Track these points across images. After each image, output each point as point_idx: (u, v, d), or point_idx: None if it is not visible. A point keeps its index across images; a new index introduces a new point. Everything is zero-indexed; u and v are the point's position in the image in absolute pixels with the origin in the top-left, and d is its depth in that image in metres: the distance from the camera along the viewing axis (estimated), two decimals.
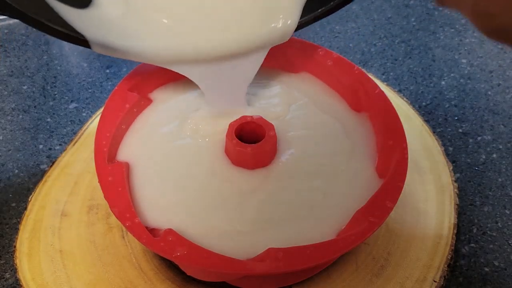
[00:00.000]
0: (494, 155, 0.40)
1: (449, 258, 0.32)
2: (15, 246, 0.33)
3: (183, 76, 0.31)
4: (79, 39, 0.28)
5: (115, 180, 0.29)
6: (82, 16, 0.28)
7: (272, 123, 0.31)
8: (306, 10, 0.31)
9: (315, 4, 0.31)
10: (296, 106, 0.35)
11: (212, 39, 0.29)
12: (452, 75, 0.47)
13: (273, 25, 0.30)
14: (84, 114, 0.43)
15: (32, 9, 0.27)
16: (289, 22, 0.30)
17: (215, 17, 0.29)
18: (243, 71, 0.31)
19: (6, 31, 0.52)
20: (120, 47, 0.29)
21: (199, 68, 0.30)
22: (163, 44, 0.29)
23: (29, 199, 0.35)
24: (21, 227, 0.33)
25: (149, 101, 0.35)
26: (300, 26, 0.31)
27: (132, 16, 0.28)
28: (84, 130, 0.40)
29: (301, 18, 0.31)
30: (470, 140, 0.41)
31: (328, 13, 0.32)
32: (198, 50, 0.29)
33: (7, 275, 0.33)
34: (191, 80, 0.32)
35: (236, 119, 0.32)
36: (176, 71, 0.31)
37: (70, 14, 0.28)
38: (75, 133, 0.40)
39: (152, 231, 0.28)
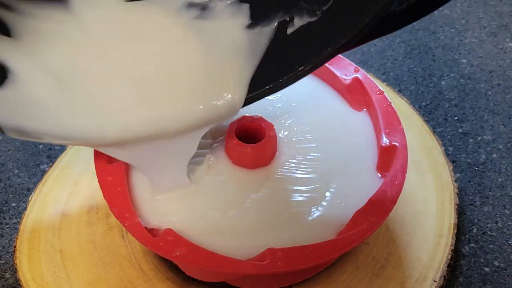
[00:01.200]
0: (494, 155, 0.40)
1: (449, 258, 0.32)
2: (15, 246, 0.33)
3: None
4: None
5: (115, 180, 0.29)
6: None
7: (272, 123, 0.31)
8: (258, 82, 0.27)
9: (268, 77, 0.27)
10: (296, 106, 0.35)
11: (146, 120, 0.25)
12: (452, 75, 0.47)
13: (214, 102, 0.26)
14: None
15: None
16: (236, 97, 0.26)
17: (151, 93, 0.25)
18: (181, 150, 0.28)
19: None
20: (43, 131, 0.24)
21: (134, 150, 0.27)
22: (98, 127, 0.25)
23: (29, 199, 0.35)
24: (21, 227, 0.33)
25: None
26: (250, 100, 0.27)
27: (62, 98, 0.24)
28: None
29: (252, 92, 0.27)
30: (470, 140, 0.41)
31: (283, 86, 0.27)
32: (131, 132, 0.25)
33: (7, 275, 0.33)
34: None
35: (236, 119, 0.32)
36: (110, 154, 0.28)
37: None
38: None
39: (152, 231, 0.28)
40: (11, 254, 0.34)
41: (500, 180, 0.38)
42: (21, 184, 0.38)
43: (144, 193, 0.30)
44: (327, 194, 0.30)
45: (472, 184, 0.38)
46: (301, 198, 0.29)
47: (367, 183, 0.30)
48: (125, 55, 0.25)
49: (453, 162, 0.39)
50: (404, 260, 0.32)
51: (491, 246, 0.34)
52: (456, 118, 0.43)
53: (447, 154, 0.39)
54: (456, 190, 0.35)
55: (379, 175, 0.31)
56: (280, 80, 0.27)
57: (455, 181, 0.36)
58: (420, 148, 0.38)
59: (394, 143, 0.31)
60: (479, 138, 0.41)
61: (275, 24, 0.26)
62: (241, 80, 0.26)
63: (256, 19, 0.26)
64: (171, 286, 0.30)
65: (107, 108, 0.25)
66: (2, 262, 0.33)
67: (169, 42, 0.25)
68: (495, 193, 0.37)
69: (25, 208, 0.35)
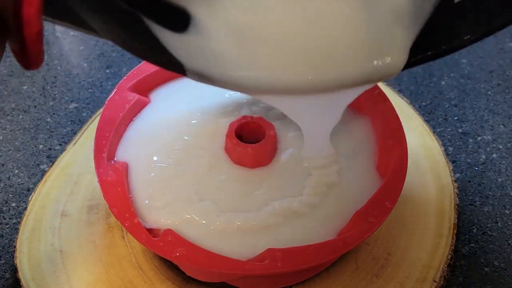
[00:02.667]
0: (494, 155, 0.40)
1: (449, 258, 0.32)
2: (15, 246, 0.33)
3: (182, 75, 0.30)
4: (172, 64, 0.25)
5: (115, 180, 0.29)
6: (178, 40, 0.25)
7: (273, 124, 0.31)
8: (420, 47, 0.26)
9: (431, 43, 0.26)
10: None
11: (315, 73, 0.26)
12: (452, 75, 0.47)
13: (375, 63, 0.25)
14: (84, 114, 0.43)
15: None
16: (397, 60, 0.26)
17: (315, 51, 0.26)
18: (330, 110, 0.28)
19: None
20: (221, 79, 0.25)
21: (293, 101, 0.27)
22: (271, 76, 0.25)
23: (29, 199, 0.35)
24: (21, 227, 0.33)
25: (149, 100, 0.35)
26: (410, 65, 0.27)
27: (240, 49, 0.25)
28: (84, 130, 0.40)
29: (413, 56, 0.26)
30: (470, 140, 0.41)
31: (445, 54, 0.27)
32: (305, 83, 0.26)
33: (7, 275, 0.33)
34: (189, 80, 0.32)
35: (236, 119, 0.32)
36: (272, 104, 0.28)
37: (167, 38, 0.24)
38: (75, 133, 0.40)
39: (152, 231, 0.28)
40: (11, 254, 0.34)
41: (500, 180, 0.38)
42: (21, 184, 0.38)
43: (144, 193, 0.30)
44: (327, 194, 0.30)
45: (472, 184, 0.38)
46: (301, 198, 0.29)
47: (367, 183, 0.30)
48: (293, 10, 0.25)
49: (453, 162, 0.39)
50: (404, 260, 0.32)
51: (491, 246, 0.34)
52: (456, 118, 0.43)
53: (447, 154, 0.39)
54: (456, 190, 0.35)
55: (379, 175, 0.31)
56: (444, 47, 0.26)
57: (455, 181, 0.36)
58: (420, 148, 0.38)
59: (394, 143, 0.31)
60: (479, 138, 0.41)
61: None
62: (403, 44, 0.26)
63: None
64: (171, 286, 0.30)
65: (278, 63, 0.25)
66: (2, 262, 0.33)
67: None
68: (495, 193, 0.37)
69: (25, 208, 0.35)
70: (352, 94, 0.27)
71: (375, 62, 0.25)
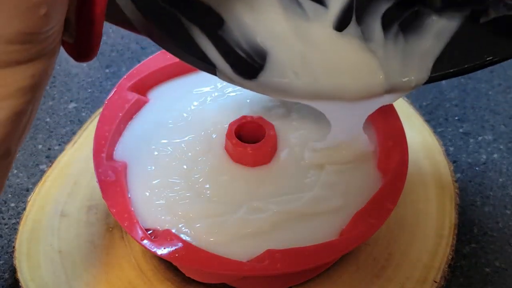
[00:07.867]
0: (495, 155, 0.40)
1: (449, 258, 0.32)
2: (14, 247, 0.32)
3: (181, 74, 0.30)
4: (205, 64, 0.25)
5: (114, 180, 0.29)
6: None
7: (273, 123, 0.31)
8: (443, 65, 0.27)
9: (453, 61, 0.27)
10: (296, 105, 0.34)
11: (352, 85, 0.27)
12: None
13: (400, 79, 0.26)
14: (83, 114, 0.43)
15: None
16: (418, 76, 0.27)
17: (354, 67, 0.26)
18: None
19: None
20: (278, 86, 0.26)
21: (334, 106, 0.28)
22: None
23: (28, 200, 0.35)
24: (20, 228, 0.33)
25: (148, 100, 0.35)
26: (431, 80, 0.27)
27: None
28: (84, 130, 0.39)
29: (435, 72, 0.27)
30: (471, 140, 0.41)
31: (466, 72, 0.28)
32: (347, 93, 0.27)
33: (6, 276, 0.33)
34: (188, 79, 0.32)
35: (236, 119, 0.32)
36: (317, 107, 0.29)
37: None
38: (74, 133, 0.40)
39: (151, 231, 0.28)
40: (10, 255, 0.33)
41: (501, 180, 0.38)
42: (20, 184, 0.38)
43: (143, 193, 0.30)
44: (327, 194, 0.30)
45: (472, 184, 0.38)
46: (301, 198, 0.29)
47: (367, 184, 0.30)
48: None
49: (454, 162, 0.39)
50: (404, 261, 0.32)
51: (492, 246, 0.34)
52: (456, 118, 0.43)
53: (448, 154, 0.39)
54: (456, 190, 0.35)
55: (380, 176, 0.31)
56: (466, 66, 0.27)
57: (456, 181, 0.36)
58: (421, 148, 0.38)
59: (394, 143, 0.31)
60: (479, 138, 0.41)
61: (468, 11, 0.26)
62: (426, 61, 0.27)
63: (447, 4, 0.26)
64: (171, 287, 0.30)
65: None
66: (1, 262, 0.33)
67: None
68: (496, 193, 0.37)
69: (24, 209, 0.34)
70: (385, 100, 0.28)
71: (400, 78, 0.26)
